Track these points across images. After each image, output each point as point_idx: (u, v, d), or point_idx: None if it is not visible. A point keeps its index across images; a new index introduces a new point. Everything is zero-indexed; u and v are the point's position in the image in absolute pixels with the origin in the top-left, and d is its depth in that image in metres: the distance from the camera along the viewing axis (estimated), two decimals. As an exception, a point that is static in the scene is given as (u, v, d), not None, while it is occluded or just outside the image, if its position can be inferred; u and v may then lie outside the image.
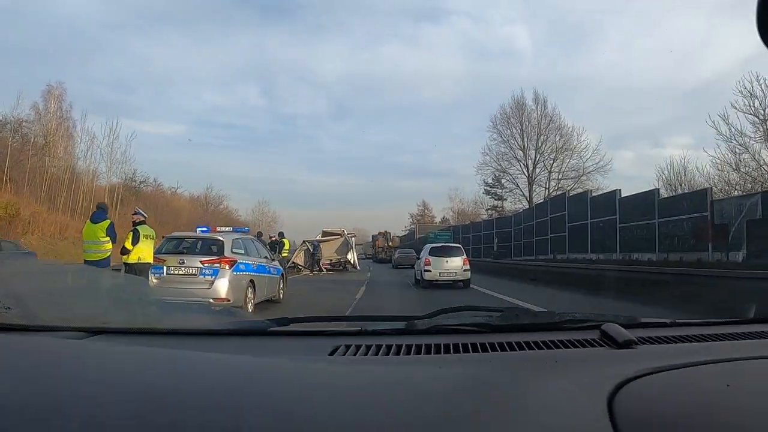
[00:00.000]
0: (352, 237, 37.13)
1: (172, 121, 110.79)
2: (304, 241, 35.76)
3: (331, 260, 36.09)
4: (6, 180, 39.99)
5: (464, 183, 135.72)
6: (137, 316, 2.92)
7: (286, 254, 17.40)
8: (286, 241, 28.12)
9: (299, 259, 35.66)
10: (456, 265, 21.08)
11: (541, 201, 50.10)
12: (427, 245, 24.23)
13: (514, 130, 58.91)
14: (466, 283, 21.23)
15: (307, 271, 34.49)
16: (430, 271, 21.00)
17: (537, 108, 58.29)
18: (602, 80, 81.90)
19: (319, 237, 38.12)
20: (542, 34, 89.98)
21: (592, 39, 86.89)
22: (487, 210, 65.81)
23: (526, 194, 58.97)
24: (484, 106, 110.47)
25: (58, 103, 50.74)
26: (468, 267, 21.47)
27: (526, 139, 58.61)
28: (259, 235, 24.21)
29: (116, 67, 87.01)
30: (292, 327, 2.13)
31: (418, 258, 24.42)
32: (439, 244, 24.06)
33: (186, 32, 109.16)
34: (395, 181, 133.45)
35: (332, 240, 36.43)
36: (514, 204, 60.57)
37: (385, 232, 64.34)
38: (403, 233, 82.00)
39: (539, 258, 36.86)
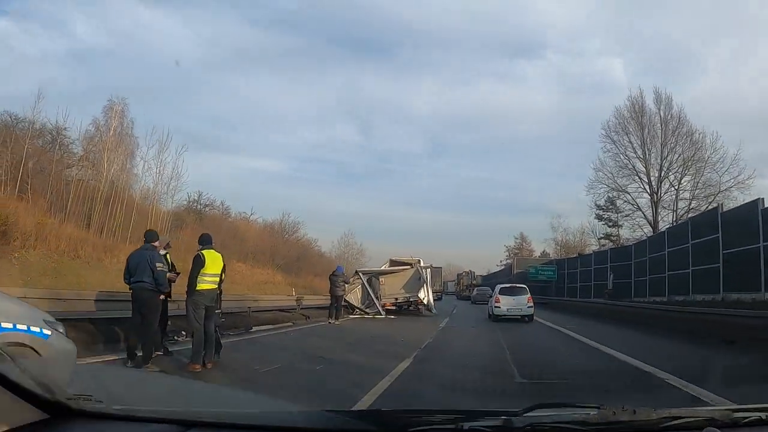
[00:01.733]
0: (426, 269, 27.47)
1: (270, 156, 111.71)
2: (357, 272, 26.18)
3: (396, 299, 26.32)
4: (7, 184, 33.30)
5: (560, 219, 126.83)
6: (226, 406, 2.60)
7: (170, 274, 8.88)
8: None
9: (354, 296, 26.05)
10: (522, 302, 24.04)
11: (670, 226, 38.92)
12: (498, 285, 27.76)
13: (633, 138, 46.77)
14: (530, 318, 23.90)
15: (364, 313, 24.92)
16: (499, 307, 24.06)
17: (660, 110, 45.90)
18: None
19: (385, 266, 28.55)
20: (637, 63, 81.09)
21: (689, 66, 75.79)
22: (599, 239, 54.00)
23: (650, 218, 46.52)
24: (580, 141, 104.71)
25: (119, 119, 45.93)
26: (532, 304, 24.24)
27: (647, 150, 46.28)
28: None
29: (216, 105, 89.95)
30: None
31: (490, 296, 28.06)
32: (508, 285, 27.19)
33: (283, 71, 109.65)
34: (489, 217, 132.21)
35: (399, 272, 26.67)
36: (632, 231, 48.58)
37: (470, 271, 65.04)
38: (498, 269, 75.74)
39: (675, 299, 26.09)
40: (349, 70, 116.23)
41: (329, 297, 22.11)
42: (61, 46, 68.17)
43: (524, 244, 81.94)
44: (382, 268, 28.35)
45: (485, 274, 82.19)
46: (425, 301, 25.96)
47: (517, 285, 26.97)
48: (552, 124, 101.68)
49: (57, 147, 41.61)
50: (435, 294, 60.41)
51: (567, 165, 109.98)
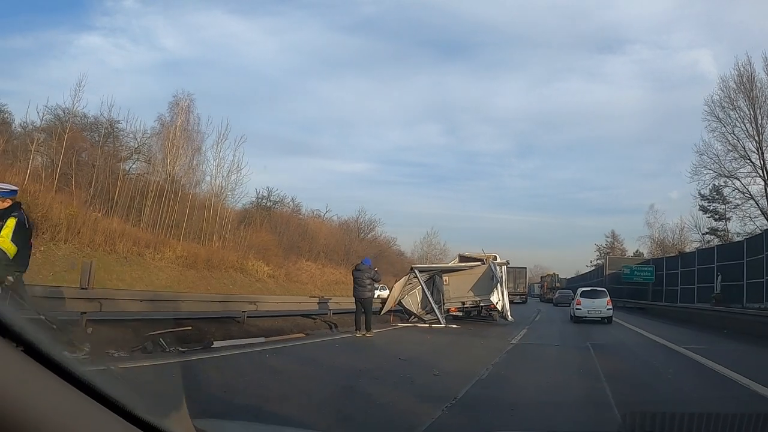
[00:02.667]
0: (501, 266, 21.72)
1: (356, 159, 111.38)
2: (412, 269, 20.86)
3: (463, 303, 20.84)
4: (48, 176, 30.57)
5: (656, 214, 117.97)
6: None
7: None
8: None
9: (412, 299, 20.86)
10: (601, 305, 24.73)
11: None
12: (579, 289, 28.11)
13: (742, 114, 38.77)
14: (609, 320, 24.44)
15: (420, 321, 19.69)
16: (580, 309, 24.84)
17: (774, 79, 37.41)
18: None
19: (454, 262, 23.19)
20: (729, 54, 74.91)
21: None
22: (703, 235, 46.00)
23: (764, 207, 38.46)
24: (669, 139, 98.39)
25: (185, 115, 43.61)
26: (611, 307, 24.82)
27: (760, 126, 38.29)
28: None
29: (303, 110, 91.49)
30: None
31: (572, 299, 29.76)
32: (588, 288, 27.51)
33: (368, 75, 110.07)
34: (578, 218, 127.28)
35: (466, 271, 21.15)
36: (743, 225, 41.31)
37: (553, 274, 63.22)
38: (588, 269, 69.91)
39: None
40: (435, 71, 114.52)
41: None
42: (151, 58, 68.72)
43: (616, 243, 74.38)
44: (448, 264, 23.01)
45: (574, 275, 75.97)
46: (499, 306, 20.38)
47: (597, 288, 27.56)
48: (642, 120, 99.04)
49: (111, 140, 39.32)
50: (520, 297, 54.74)
51: (659, 163, 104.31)
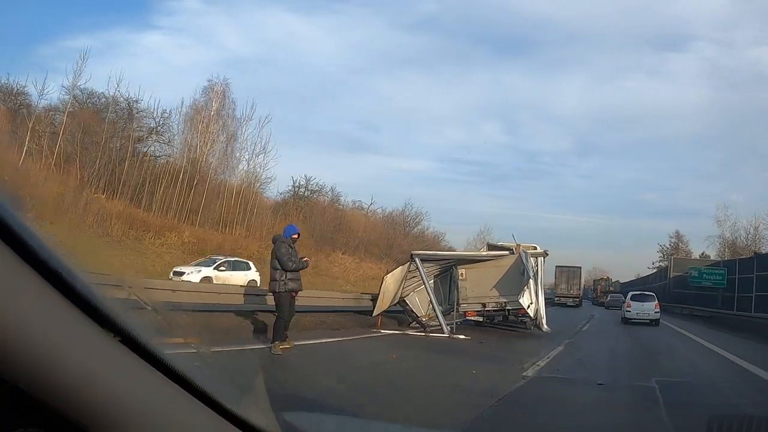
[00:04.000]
0: (538, 258, 15.91)
1: (417, 157, 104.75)
2: (412, 256, 15.42)
3: (483, 304, 15.41)
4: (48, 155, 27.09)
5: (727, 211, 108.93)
6: None
7: None
8: None
9: (420, 299, 15.70)
10: (649, 308, 24.68)
11: None
12: (630, 293, 28.20)
13: None
14: (656, 322, 23.99)
15: (423, 327, 14.58)
16: (630, 311, 24.92)
17: None
18: None
19: (482, 251, 17.85)
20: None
21: None
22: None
23: None
24: (734, 139, 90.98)
25: (221, 100, 40.23)
26: (658, 310, 24.88)
27: None
28: None
29: (363, 107, 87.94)
30: None
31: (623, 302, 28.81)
32: (638, 293, 27.41)
33: (429, 73, 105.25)
34: (638, 220, 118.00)
35: (489, 263, 15.61)
36: None
37: (607, 278, 61.18)
38: (650, 272, 62.94)
39: None
40: (495, 69, 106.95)
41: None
42: (212, 56, 66.78)
43: (680, 244, 65.88)
44: (464, 252, 17.65)
45: (633, 278, 68.31)
46: (531, 311, 14.59)
47: (646, 293, 27.47)
48: (706, 120, 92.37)
49: (128, 121, 35.95)
50: (573, 299, 47.41)
51: (723, 164, 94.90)
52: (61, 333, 0.61)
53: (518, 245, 15.28)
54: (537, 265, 15.37)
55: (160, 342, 0.82)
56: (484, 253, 16.33)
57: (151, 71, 54.32)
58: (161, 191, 32.97)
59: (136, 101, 34.89)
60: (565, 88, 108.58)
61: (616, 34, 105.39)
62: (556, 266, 48.21)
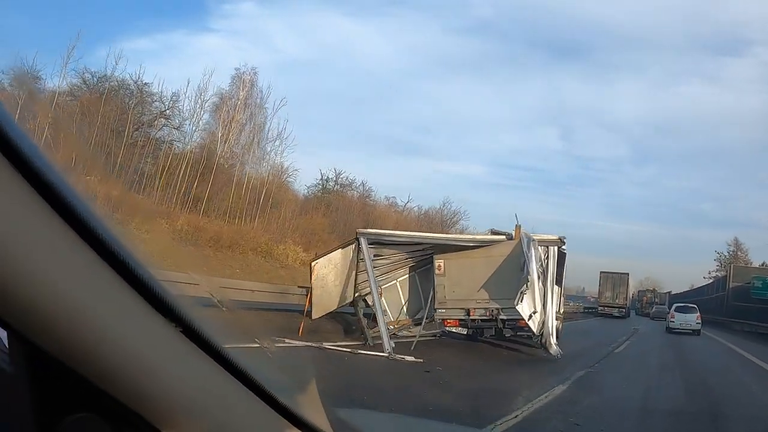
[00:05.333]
0: (548, 248, 10.35)
1: (470, 161, 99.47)
2: (358, 234, 10.36)
3: (467, 310, 10.28)
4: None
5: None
6: None
7: None
8: None
9: (390, 299, 10.87)
10: (691, 319, 24.77)
11: None
12: (674, 305, 28.76)
13: None
14: (697, 332, 23.97)
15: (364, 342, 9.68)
16: (673, 321, 25.06)
17: None
18: None
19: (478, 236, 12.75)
20: None
21: None
22: None
23: None
24: None
25: (248, 89, 35.94)
26: (700, 321, 24.73)
27: None
28: None
29: (418, 112, 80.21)
30: None
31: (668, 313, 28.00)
32: (681, 304, 27.74)
33: (484, 77, 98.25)
34: (694, 229, 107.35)
35: (476, 252, 10.41)
36: None
37: (653, 289, 57.46)
38: (707, 281, 55.54)
39: None
40: (549, 73, 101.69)
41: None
42: (268, 58, 64.39)
43: (740, 253, 57.66)
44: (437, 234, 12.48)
45: (687, 289, 60.82)
46: (534, 324, 9.47)
47: (689, 305, 27.15)
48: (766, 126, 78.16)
49: (139, 104, 32.70)
50: (618, 310, 40.10)
51: None
52: (126, 322, 0.59)
53: (518, 226, 10.09)
54: (547, 258, 10.14)
55: (222, 335, 0.78)
56: (468, 237, 11.24)
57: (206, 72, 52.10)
58: (164, 178, 29.37)
59: (146, 84, 31.51)
60: (621, 93, 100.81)
61: (672, 38, 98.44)
62: (601, 272, 41.77)
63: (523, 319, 9.41)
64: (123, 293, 0.57)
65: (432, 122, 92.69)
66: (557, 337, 14.23)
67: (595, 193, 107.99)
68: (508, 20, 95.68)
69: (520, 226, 9.93)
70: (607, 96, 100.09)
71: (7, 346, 0.72)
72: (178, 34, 60.16)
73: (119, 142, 28.51)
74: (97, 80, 30.57)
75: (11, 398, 0.67)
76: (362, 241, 9.96)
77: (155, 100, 32.24)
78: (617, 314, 38.45)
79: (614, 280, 40.59)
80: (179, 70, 59.19)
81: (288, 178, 39.90)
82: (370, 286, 11.15)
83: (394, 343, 9.27)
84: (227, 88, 35.78)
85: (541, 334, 9.55)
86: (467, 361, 8.66)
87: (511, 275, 9.59)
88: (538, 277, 9.74)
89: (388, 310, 11.46)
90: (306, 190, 42.22)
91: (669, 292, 58.99)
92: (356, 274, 10.61)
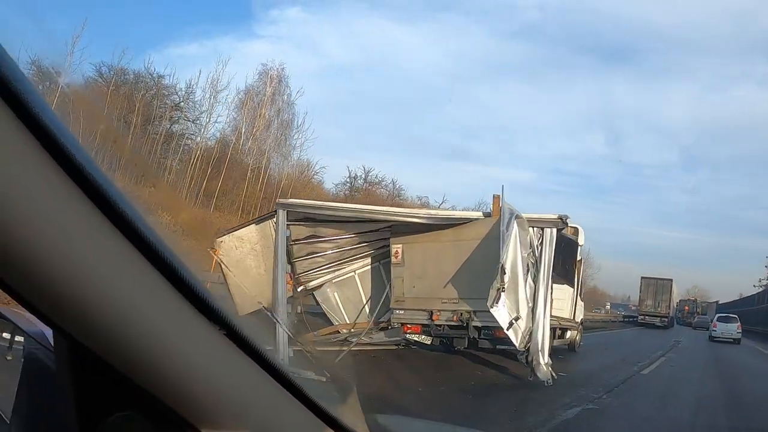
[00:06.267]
0: (543, 230, 7.01)
1: (516, 167, 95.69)
2: (278, 207, 7.42)
3: (431, 312, 7.29)
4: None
5: None
6: None
7: None
8: None
9: (338, 301, 8.05)
10: (732, 329, 25.10)
11: None
12: (717, 315, 29.79)
13: None
14: (738, 341, 24.10)
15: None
16: (715, 331, 25.43)
17: None
18: None
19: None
20: None
21: None
22: None
23: None
24: None
25: (275, 85, 34.20)
26: (740, 331, 25.08)
27: None
28: None
29: (462, 115, 79.38)
30: None
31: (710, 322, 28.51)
32: (723, 315, 28.33)
33: (531, 82, 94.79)
34: (745, 238, 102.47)
35: (444, 236, 7.40)
36: None
37: (695, 299, 54.64)
38: (756, 289, 50.58)
39: None
40: (597, 78, 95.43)
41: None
42: (316, 63, 62.94)
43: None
44: (390, 208, 9.34)
45: (736, 298, 55.52)
46: (515, 335, 6.23)
47: (730, 315, 27.46)
48: None
49: (154, 97, 31.12)
50: (661, 319, 36.45)
51: None
52: (171, 323, 0.58)
53: (498, 198, 7.04)
54: (542, 245, 7.09)
55: (263, 338, 0.80)
56: (427, 212, 8.17)
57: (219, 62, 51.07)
58: (173, 172, 27.61)
59: (161, 77, 29.90)
60: (671, 98, 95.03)
61: (723, 42, 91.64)
62: (642, 277, 37.27)
63: (502, 329, 6.41)
64: (167, 294, 0.56)
65: (478, 127, 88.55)
66: (575, 347, 11.06)
67: (643, 200, 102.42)
68: (556, 24, 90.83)
69: (500, 196, 6.89)
70: (656, 100, 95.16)
71: (52, 344, 0.74)
72: (227, 40, 59.24)
73: (130, 134, 26.93)
74: (114, 74, 29.22)
75: (56, 395, 0.69)
76: (280, 212, 7.14)
77: (171, 93, 30.68)
78: (659, 324, 34.04)
79: (657, 286, 36.08)
80: (226, 76, 58.82)
81: (315, 175, 37.87)
82: (317, 278, 8.46)
83: (315, 353, 6.45)
84: (253, 84, 34.03)
85: (527, 350, 6.52)
86: (396, 389, 5.72)
87: (488, 266, 6.58)
88: (527, 270, 6.69)
89: (342, 310, 8.67)
90: (333, 188, 39.97)
91: (716, 302, 53.84)
92: (293, 262, 7.88)
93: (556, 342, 9.92)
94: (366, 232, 8.12)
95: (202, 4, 50.84)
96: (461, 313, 7.05)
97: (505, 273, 6.17)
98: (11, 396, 0.84)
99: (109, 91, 27.81)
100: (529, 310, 6.55)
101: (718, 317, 27.03)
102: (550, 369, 6.60)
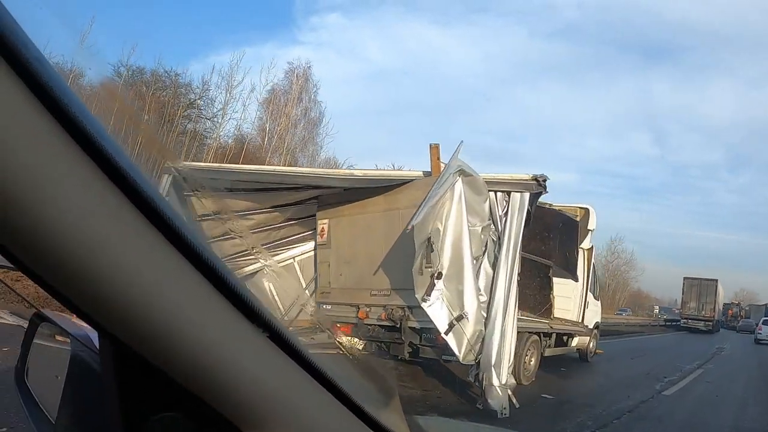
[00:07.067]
0: (503, 196, 4.87)
1: (559, 169, 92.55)
2: (164, 169, 5.07)
3: (358, 307, 5.21)
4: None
5: None
6: None
7: None
8: None
9: (274, 291, 6.04)
10: None
11: None
12: (762, 318, 28.25)
13: None
14: None
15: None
16: (761, 333, 25.29)
17: None
18: None
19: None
20: None
21: None
22: None
23: None
24: None
25: (302, 83, 33.07)
26: None
27: None
28: None
29: (505, 119, 75.39)
30: None
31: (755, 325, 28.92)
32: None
33: (571, 82, 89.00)
34: None
35: (373, 204, 5.28)
36: None
37: (738, 302, 51.29)
38: None
39: None
40: (639, 76, 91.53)
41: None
42: (356, 68, 62.06)
43: None
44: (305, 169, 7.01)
45: None
46: (454, 341, 4.19)
47: None
48: None
49: (172, 96, 30.19)
50: (705, 323, 31.85)
51: None
52: (215, 326, 0.56)
53: (434, 147, 4.82)
54: (507, 215, 4.89)
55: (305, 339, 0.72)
56: (357, 172, 5.95)
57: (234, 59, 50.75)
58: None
59: (177, 74, 28.95)
60: (717, 96, 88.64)
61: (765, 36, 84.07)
62: (685, 278, 33.61)
63: (440, 333, 4.28)
64: (211, 297, 0.54)
65: (519, 130, 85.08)
66: (587, 357, 8.79)
67: (688, 201, 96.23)
68: (596, 23, 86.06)
69: (437, 146, 4.69)
70: (700, 98, 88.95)
71: (97, 346, 0.72)
72: (268, 47, 58.73)
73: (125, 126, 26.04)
74: (132, 73, 28.49)
75: (101, 397, 0.68)
76: (164, 181, 5.22)
77: (188, 92, 29.72)
78: (703, 328, 30.52)
79: (701, 287, 32.41)
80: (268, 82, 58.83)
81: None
82: (245, 266, 6.51)
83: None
84: (279, 82, 32.83)
85: (477, 363, 4.35)
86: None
87: (410, 247, 4.47)
88: (482, 250, 4.54)
89: (279, 304, 6.69)
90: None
91: (765, 305, 49.54)
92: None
93: (557, 351, 7.63)
94: (288, 205, 6.09)
95: (244, 13, 50.89)
96: (392, 310, 4.92)
97: (432, 250, 4.03)
98: (57, 397, 0.85)
99: (149, 94, 27.33)
100: (477, 310, 4.36)
101: (764, 320, 26.57)
102: (508, 393, 4.38)
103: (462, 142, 5.26)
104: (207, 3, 44.89)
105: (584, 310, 8.50)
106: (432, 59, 68.24)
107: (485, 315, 4.42)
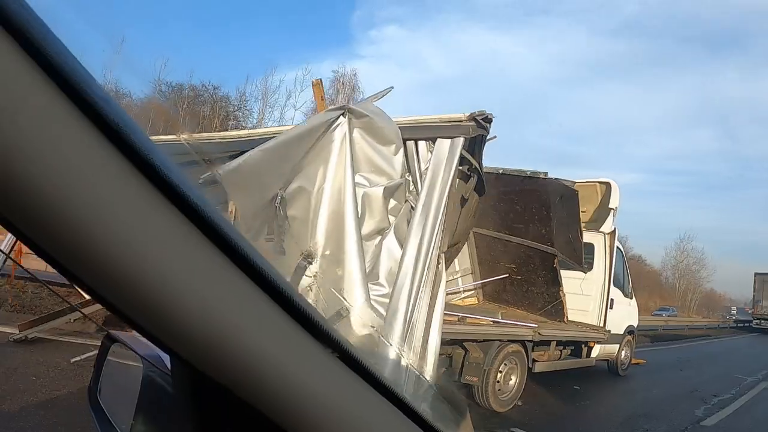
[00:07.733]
0: (427, 145, 3.29)
1: (624, 170, 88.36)
2: None
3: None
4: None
5: None
6: None
7: None
8: None
9: None
10: None
11: None
12: None
13: None
14: None
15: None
16: None
17: None
18: None
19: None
20: None
21: None
22: None
23: None
24: None
25: (347, 91, 33.97)
26: None
27: None
28: None
29: (570, 120, 73.95)
30: None
31: None
32: None
33: (634, 79, 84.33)
34: None
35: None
36: None
37: None
38: None
39: None
40: (705, 68, 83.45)
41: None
42: (418, 79, 61.67)
43: None
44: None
45: None
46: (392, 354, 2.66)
47: None
48: None
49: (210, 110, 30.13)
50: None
51: None
52: (285, 349, 0.54)
53: (317, 83, 3.36)
54: (429, 170, 3.39)
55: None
56: (253, 131, 4.27)
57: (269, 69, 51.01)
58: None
59: (216, 87, 29.15)
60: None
61: None
62: (756, 273, 29.83)
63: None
64: (281, 320, 0.53)
65: (583, 130, 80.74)
66: (618, 369, 7.12)
67: (759, 195, 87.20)
68: (657, 14, 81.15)
69: (319, 81, 3.20)
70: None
71: (169, 367, 0.73)
72: (327, 64, 59.21)
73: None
74: (172, 89, 28.91)
75: (173, 417, 0.69)
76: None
77: (227, 105, 29.83)
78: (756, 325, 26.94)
79: (765, 283, 28.68)
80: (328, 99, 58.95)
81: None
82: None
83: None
84: (326, 91, 32.55)
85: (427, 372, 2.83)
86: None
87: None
88: (384, 221, 3.05)
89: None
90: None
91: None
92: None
93: (564, 365, 5.91)
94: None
95: (305, 32, 52.43)
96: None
97: (286, 217, 2.58)
98: (130, 417, 0.85)
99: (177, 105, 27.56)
100: (369, 303, 2.85)
101: None
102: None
103: (391, 87, 3.81)
104: (267, 29, 48.06)
105: (605, 310, 6.65)
106: (493, 64, 66.67)
107: (384, 313, 2.89)
